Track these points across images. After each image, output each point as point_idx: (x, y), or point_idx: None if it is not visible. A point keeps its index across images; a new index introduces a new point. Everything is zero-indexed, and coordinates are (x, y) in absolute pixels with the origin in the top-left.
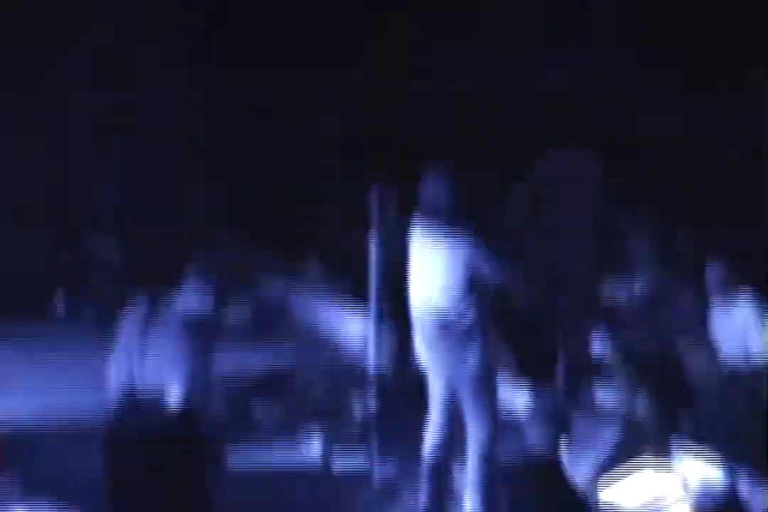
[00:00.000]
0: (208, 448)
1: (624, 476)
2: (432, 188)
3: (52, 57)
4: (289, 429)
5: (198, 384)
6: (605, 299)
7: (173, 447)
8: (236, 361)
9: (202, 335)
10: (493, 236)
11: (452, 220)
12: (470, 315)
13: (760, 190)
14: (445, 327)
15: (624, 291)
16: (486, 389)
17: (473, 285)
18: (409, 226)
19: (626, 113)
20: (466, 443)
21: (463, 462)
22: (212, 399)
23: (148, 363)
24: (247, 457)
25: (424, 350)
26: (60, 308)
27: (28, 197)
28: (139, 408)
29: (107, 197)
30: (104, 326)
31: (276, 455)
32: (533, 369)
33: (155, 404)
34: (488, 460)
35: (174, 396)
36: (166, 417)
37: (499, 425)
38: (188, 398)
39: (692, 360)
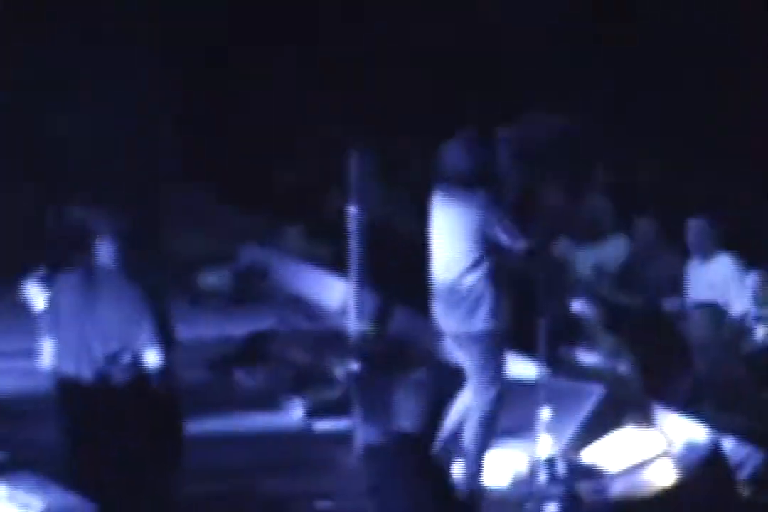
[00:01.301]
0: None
1: (606, 435)
2: (451, 154)
3: None
4: (271, 395)
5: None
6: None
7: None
8: (217, 327)
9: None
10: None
11: (469, 186)
12: (483, 280)
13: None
14: (458, 291)
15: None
16: (492, 352)
17: (487, 251)
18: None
19: None
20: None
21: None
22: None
23: (100, 326)
24: (227, 422)
25: (439, 313)
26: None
27: None
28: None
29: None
30: None
31: (257, 420)
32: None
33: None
34: (487, 423)
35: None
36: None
37: (503, 389)
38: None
39: (677, 319)
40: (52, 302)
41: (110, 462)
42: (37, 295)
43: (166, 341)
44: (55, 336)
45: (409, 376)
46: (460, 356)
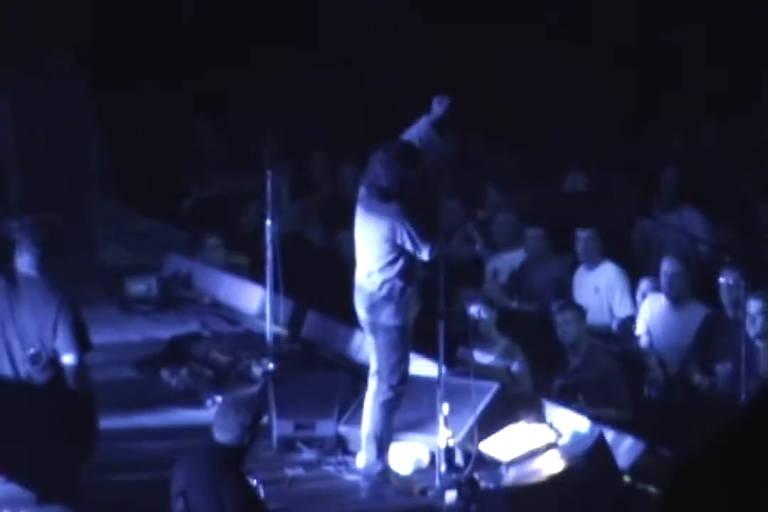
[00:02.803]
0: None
1: (499, 429)
2: (373, 167)
3: None
4: (193, 392)
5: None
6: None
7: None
8: (145, 331)
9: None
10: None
11: (385, 198)
12: (393, 280)
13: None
14: (372, 286)
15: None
16: (396, 344)
17: (398, 255)
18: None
19: None
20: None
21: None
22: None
23: (19, 330)
24: (154, 417)
25: (357, 304)
26: None
27: None
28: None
29: None
30: None
31: (181, 415)
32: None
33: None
34: (388, 407)
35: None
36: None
37: (405, 377)
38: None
39: (563, 323)
40: None
41: (31, 452)
42: None
43: (80, 344)
44: None
45: (234, 393)
46: (370, 343)
